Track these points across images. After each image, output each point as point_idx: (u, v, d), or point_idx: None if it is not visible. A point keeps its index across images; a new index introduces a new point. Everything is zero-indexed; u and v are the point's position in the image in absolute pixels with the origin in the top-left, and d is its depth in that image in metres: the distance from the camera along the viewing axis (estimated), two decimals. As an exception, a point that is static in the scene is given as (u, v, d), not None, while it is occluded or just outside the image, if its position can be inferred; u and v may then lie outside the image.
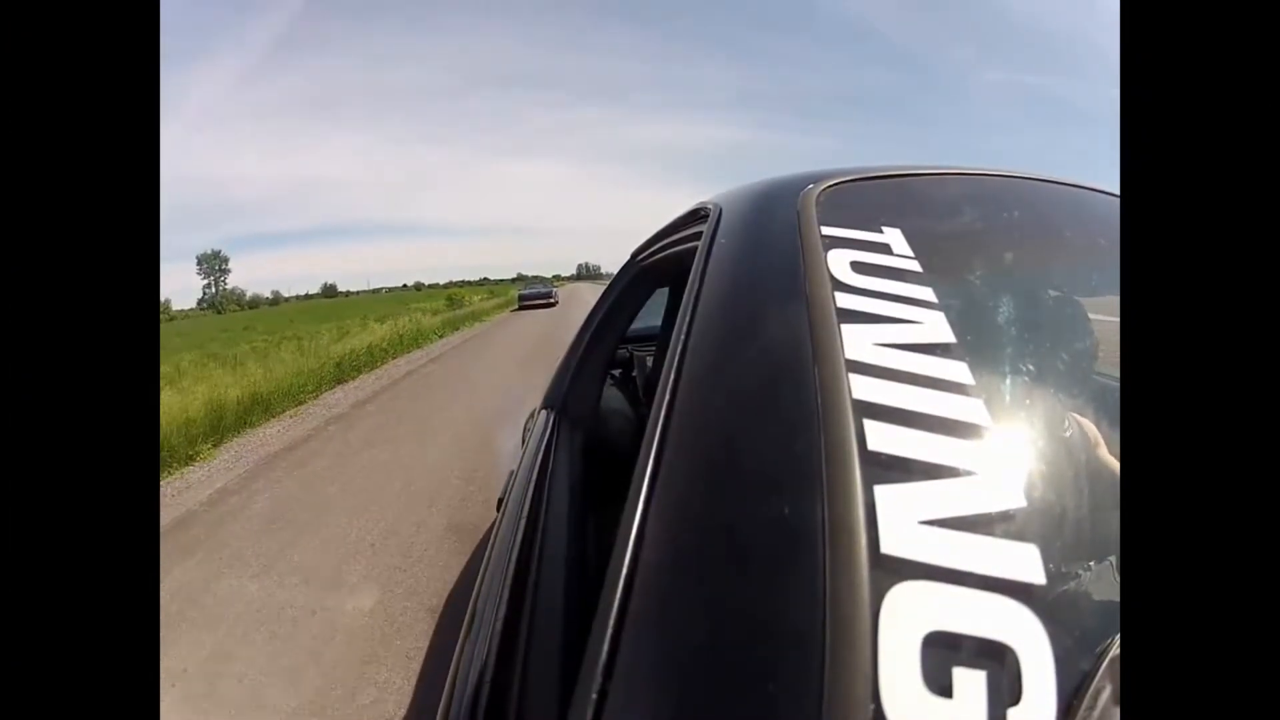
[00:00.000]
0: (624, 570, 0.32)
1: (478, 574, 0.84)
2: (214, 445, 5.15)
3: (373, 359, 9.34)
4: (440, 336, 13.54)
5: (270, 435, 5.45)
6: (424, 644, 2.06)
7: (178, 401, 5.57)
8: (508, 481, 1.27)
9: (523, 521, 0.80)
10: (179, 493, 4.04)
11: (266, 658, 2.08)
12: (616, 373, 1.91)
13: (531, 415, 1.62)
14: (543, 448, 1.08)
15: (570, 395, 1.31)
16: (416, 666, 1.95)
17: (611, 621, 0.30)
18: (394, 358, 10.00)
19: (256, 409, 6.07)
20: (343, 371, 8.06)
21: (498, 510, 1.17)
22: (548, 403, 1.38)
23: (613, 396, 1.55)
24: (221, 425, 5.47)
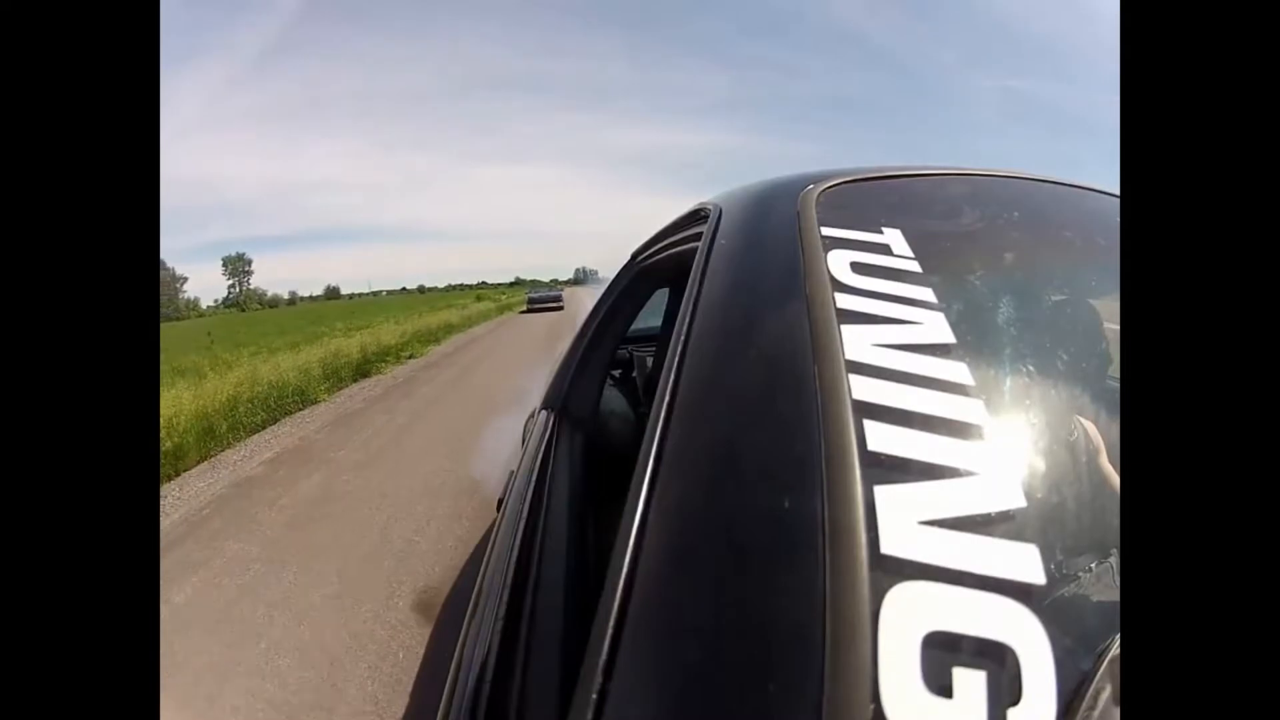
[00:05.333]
0: (624, 570, 0.32)
1: (478, 573, 0.84)
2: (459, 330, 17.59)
3: (478, 319, 21.28)
4: (496, 317, 23.81)
5: (468, 334, 16.36)
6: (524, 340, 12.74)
7: (440, 318, 18.67)
8: (508, 482, 1.27)
9: (523, 521, 0.80)
10: (461, 337, 15.27)
11: (512, 334, 14.83)
12: (616, 373, 1.90)
13: (531, 415, 1.62)
14: (543, 448, 1.08)
15: (570, 395, 1.31)
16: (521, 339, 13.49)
17: (611, 621, 0.30)
18: (481, 323, 20.53)
19: (454, 329, 17.14)
20: (472, 322, 19.67)
21: (498, 510, 1.17)
22: (548, 403, 1.37)
23: (613, 397, 1.54)
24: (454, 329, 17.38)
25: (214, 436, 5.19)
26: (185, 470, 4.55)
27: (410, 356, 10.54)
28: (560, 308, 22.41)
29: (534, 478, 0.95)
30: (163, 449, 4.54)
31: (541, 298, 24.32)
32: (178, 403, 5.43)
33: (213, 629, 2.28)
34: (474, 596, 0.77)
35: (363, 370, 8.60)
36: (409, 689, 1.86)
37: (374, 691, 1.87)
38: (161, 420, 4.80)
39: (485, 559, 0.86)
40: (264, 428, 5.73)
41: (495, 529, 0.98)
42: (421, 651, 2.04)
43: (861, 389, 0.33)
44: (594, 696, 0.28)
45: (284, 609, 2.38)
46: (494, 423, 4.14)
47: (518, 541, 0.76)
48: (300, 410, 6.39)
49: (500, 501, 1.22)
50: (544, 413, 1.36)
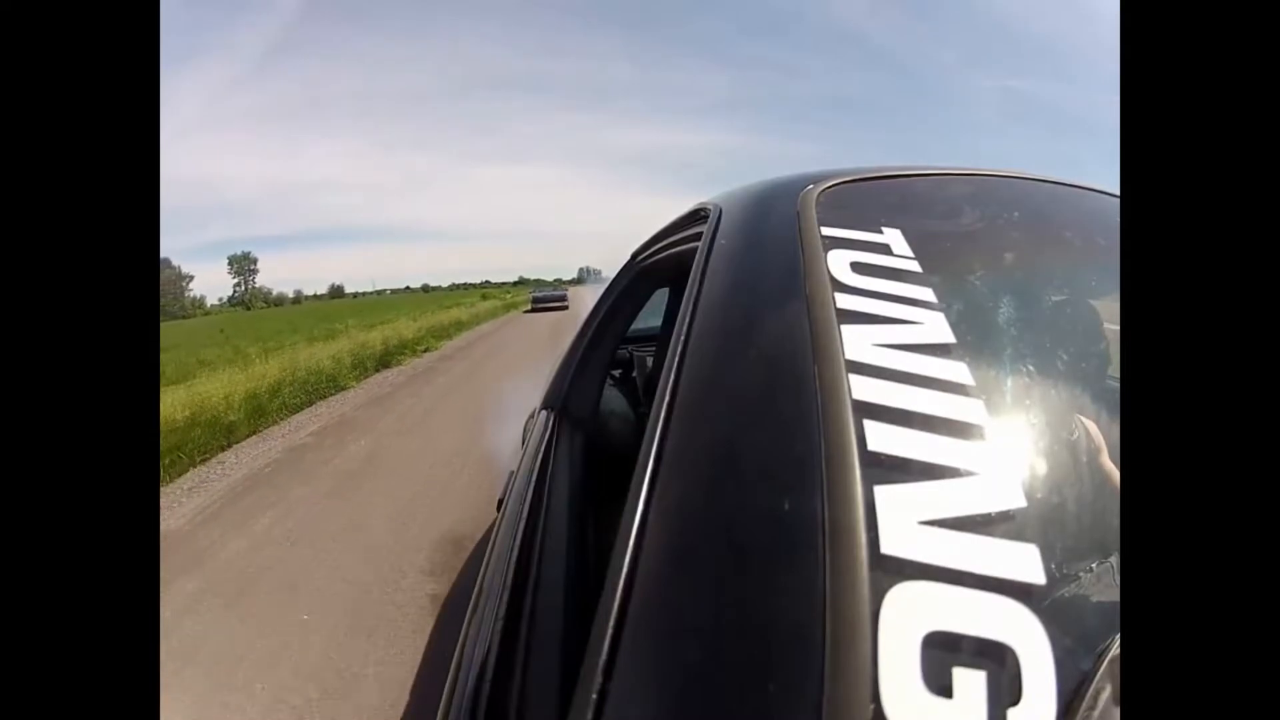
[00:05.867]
0: (624, 570, 0.32)
1: (478, 574, 0.84)
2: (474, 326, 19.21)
3: (485, 316, 22.69)
4: (503, 315, 24.81)
5: (477, 330, 17.25)
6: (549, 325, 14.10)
7: (450, 315, 20.36)
8: (508, 482, 1.27)
9: (523, 521, 0.80)
10: (488, 326, 19.46)
11: (519, 331, 15.39)
12: (616, 373, 1.90)
13: (531, 415, 1.62)
14: (543, 448, 1.08)
15: (570, 395, 1.31)
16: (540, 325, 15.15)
17: (611, 621, 0.30)
18: (489, 320, 21.55)
19: (464, 325, 18.04)
20: (480, 319, 20.67)
21: (498, 510, 1.17)
22: (548, 403, 1.37)
23: (613, 397, 1.54)
24: (471, 321, 19.80)
25: (263, 414, 5.78)
26: (237, 442, 5.10)
27: (425, 350, 11.35)
28: (565, 308, 21.91)
29: (534, 478, 0.95)
30: (219, 424, 5.13)
31: (545, 297, 23.70)
32: (231, 383, 6.25)
33: (295, 543, 2.91)
34: (474, 596, 0.77)
35: (384, 361, 9.45)
36: (458, 568, 2.43)
37: (429, 570, 2.51)
38: (217, 399, 5.48)
39: (485, 559, 0.86)
40: (304, 408, 6.37)
41: (495, 529, 0.98)
42: (475, 535, 2.67)
43: (861, 389, 0.33)
44: (594, 696, 0.28)
45: (350, 529, 2.98)
46: (507, 403, 4.57)
47: (518, 541, 0.76)
48: (334, 394, 7.07)
49: (500, 501, 1.22)
50: (544, 413, 1.36)
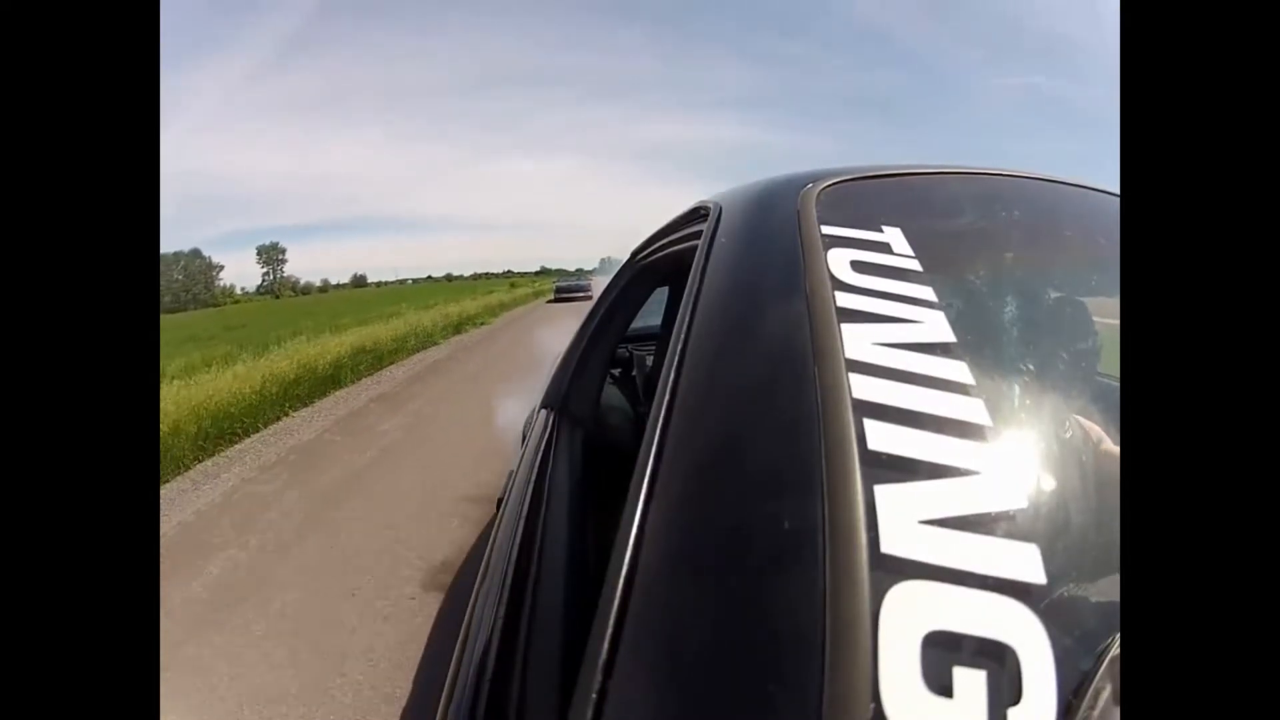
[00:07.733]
0: (624, 570, 0.32)
1: (477, 573, 0.84)
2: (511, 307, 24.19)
3: (522, 300, 28.06)
4: (534, 301, 28.39)
5: (514, 312, 21.89)
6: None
7: (495, 298, 26.44)
8: (508, 481, 1.27)
9: (523, 521, 0.80)
10: (528, 305, 26.63)
11: (552, 312, 19.04)
12: (616, 372, 1.90)
13: (532, 414, 1.62)
14: (543, 447, 1.08)
15: (570, 394, 1.31)
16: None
17: (611, 621, 0.30)
18: (525, 304, 25.50)
19: (506, 306, 23.98)
20: (518, 303, 25.92)
21: (497, 509, 1.17)
22: (548, 402, 1.37)
23: (613, 396, 1.54)
24: (514, 301, 27.00)
25: (401, 351, 9.88)
26: (388, 365, 8.76)
27: (483, 324, 16.10)
28: (589, 298, 21.81)
29: (534, 477, 0.95)
30: (376, 351, 9.04)
31: (569, 287, 23.79)
32: (381, 331, 11.23)
33: (433, 408, 5.69)
34: (473, 595, 0.77)
35: (458, 329, 14.14)
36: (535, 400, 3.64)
37: (515, 422, 3.90)
38: (369, 342, 9.43)
39: (485, 558, 0.86)
40: (420, 350, 10.60)
41: (495, 528, 0.98)
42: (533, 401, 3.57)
43: (861, 388, 0.33)
44: (594, 696, 0.28)
45: (482, 386, 5.99)
46: (555, 351, 6.66)
47: (517, 540, 0.76)
48: (434, 345, 11.32)
49: (500, 500, 1.22)
50: (544, 412, 1.36)
